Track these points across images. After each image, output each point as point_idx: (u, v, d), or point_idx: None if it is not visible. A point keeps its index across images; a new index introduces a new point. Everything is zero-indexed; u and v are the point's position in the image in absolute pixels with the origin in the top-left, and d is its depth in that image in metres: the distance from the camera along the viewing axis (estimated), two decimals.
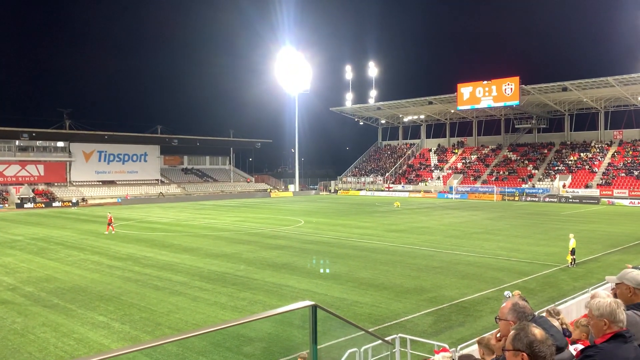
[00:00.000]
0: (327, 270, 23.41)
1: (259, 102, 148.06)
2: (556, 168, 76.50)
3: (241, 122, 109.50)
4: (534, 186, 73.70)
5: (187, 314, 16.61)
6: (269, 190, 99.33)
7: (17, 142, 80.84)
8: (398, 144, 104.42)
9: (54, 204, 74.16)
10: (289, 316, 13.39)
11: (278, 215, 53.38)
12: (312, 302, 4.86)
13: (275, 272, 23.06)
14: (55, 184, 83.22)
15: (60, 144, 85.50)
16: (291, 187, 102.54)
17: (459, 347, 10.18)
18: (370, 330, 11.18)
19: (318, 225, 42.29)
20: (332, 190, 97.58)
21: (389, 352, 10.68)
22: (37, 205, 72.87)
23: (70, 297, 18.81)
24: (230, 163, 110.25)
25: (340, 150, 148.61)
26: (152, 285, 20.77)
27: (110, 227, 38.39)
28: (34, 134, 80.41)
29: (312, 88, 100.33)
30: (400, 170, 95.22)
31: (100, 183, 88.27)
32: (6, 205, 72.44)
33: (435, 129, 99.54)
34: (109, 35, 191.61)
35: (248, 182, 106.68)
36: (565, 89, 69.74)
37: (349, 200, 76.44)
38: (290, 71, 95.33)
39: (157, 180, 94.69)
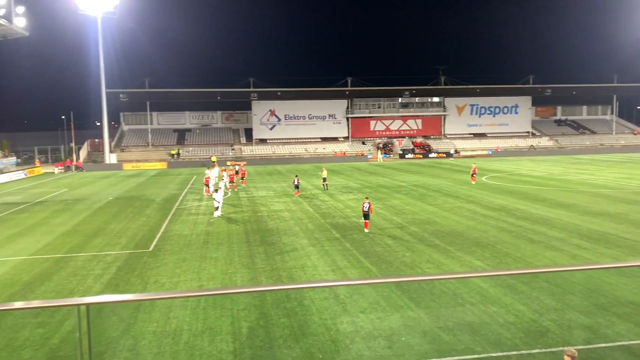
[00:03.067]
0: None
1: None
2: None
3: (627, 64, 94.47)
4: None
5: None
6: None
7: (399, 100, 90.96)
8: None
9: (430, 155, 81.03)
10: None
11: None
12: None
13: None
14: (431, 136, 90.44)
15: (435, 99, 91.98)
16: None
17: None
18: None
19: None
20: None
21: None
22: (416, 155, 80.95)
23: (449, 240, 20.38)
24: (612, 112, 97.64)
25: None
26: (527, 237, 20.52)
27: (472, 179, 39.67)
28: (413, 91, 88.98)
29: None
30: None
31: (472, 136, 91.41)
32: (391, 155, 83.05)
33: None
34: None
35: (635, 134, 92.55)
36: None
37: None
38: None
39: (528, 132, 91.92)
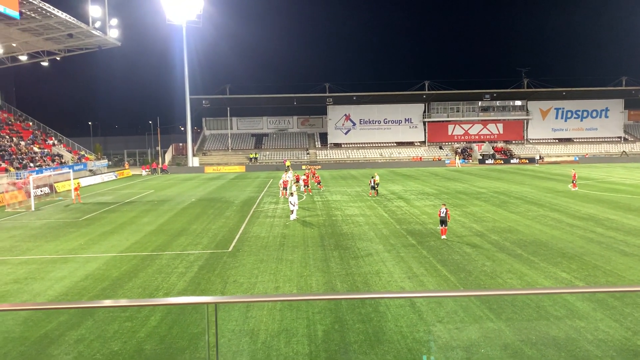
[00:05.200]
0: None
1: None
2: None
3: None
4: None
5: None
6: None
7: (479, 103, 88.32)
8: None
9: (511, 161, 77.94)
10: None
11: None
12: None
13: None
14: (513, 141, 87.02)
15: (517, 102, 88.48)
16: None
17: None
18: None
19: None
20: None
21: None
22: (497, 161, 78.15)
23: (532, 250, 19.45)
24: None
25: None
26: (618, 249, 19.18)
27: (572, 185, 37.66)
28: (494, 95, 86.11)
29: None
30: None
31: (556, 141, 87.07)
32: (470, 160, 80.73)
33: None
34: None
35: None
36: None
37: None
38: None
39: (620, 137, 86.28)
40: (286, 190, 37.38)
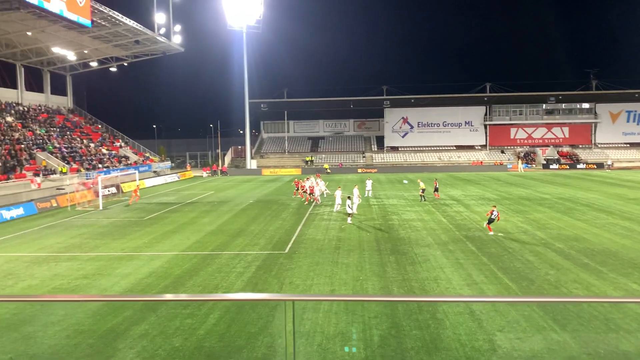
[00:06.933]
0: None
1: None
2: None
3: None
4: None
5: None
6: None
7: (544, 106, 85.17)
8: None
9: (578, 166, 74.64)
10: None
11: None
12: None
13: None
14: (580, 145, 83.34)
15: (585, 105, 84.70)
16: None
17: None
18: None
19: None
20: None
21: None
22: (562, 166, 75.04)
23: (600, 260, 18.51)
24: None
25: None
26: None
27: None
28: (560, 97, 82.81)
29: None
30: None
31: (628, 145, 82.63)
32: (533, 165, 77.93)
33: None
34: None
35: None
36: None
37: None
38: None
39: None
40: (312, 195, 36.96)
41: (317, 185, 38.63)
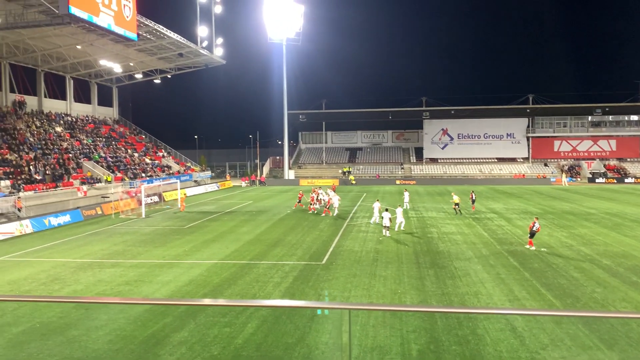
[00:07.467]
0: None
1: None
2: None
3: None
4: None
5: None
6: None
7: (589, 118, 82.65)
8: None
9: (626, 180, 71.97)
10: None
11: None
12: None
13: None
14: (628, 159, 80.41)
15: (634, 117, 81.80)
16: None
17: None
18: None
19: None
20: None
21: None
22: (608, 180, 72.51)
23: None
24: None
25: None
26: None
27: None
28: (606, 109, 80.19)
29: None
30: None
31: None
32: (578, 179, 75.58)
33: None
34: None
35: None
36: None
37: None
38: None
39: None
40: (329, 208, 36.95)
41: (328, 195, 39.02)
